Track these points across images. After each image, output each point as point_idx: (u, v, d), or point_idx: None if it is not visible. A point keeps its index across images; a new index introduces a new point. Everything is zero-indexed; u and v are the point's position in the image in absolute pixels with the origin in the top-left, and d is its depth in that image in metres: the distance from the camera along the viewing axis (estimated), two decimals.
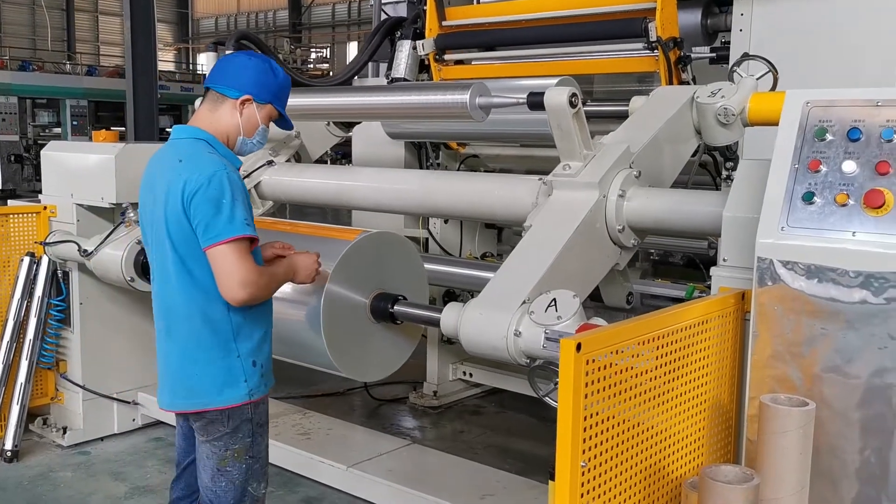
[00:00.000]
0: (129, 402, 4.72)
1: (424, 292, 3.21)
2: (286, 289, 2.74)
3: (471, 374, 5.33)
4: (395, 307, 2.95)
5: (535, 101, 2.91)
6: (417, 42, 4.70)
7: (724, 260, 2.51)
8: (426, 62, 4.77)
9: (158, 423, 4.77)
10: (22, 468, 4.32)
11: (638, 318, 2.15)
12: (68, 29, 36.24)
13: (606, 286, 3.24)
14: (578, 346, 1.77)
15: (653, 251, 5.17)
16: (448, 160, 5.17)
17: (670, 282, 4.60)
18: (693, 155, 3.72)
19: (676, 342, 2.15)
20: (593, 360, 1.83)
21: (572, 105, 2.85)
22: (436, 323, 2.79)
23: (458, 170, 5.12)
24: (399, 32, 5.03)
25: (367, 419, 5.14)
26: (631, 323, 2.09)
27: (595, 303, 3.40)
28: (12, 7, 34.40)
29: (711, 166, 4.14)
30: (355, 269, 2.92)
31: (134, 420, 4.78)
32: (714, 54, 4.23)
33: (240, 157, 2.71)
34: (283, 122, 2.78)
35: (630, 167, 2.96)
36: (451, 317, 2.71)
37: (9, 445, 4.36)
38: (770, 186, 2.24)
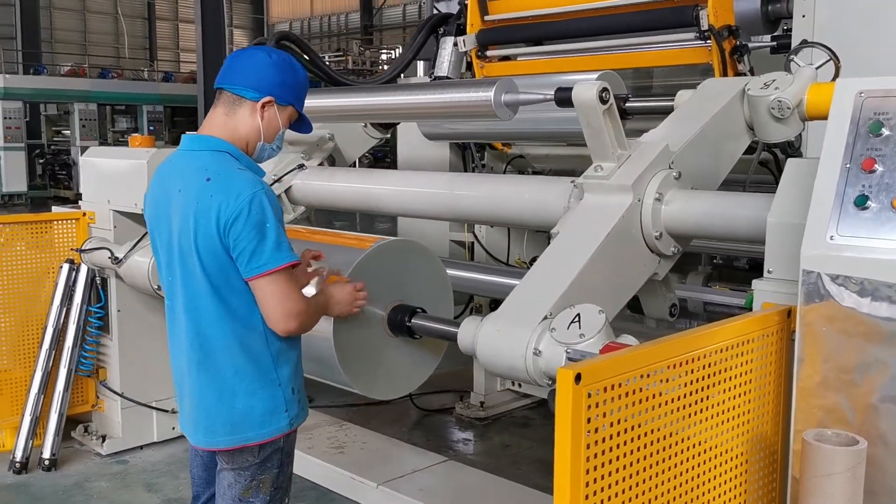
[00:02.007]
0: (167, 411, 4.64)
1: (449, 305, 3.00)
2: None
3: (520, 385, 5.10)
4: (412, 320, 2.75)
5: (563, 98, 2.68)
6: (458, 38, 4.51)
7: (769, 271, 2.23)
8: (469, 59, 4.58)
9: None
10: (59, 477, 4.29)
11: (663, 339, 1.90)
12: (150, 37, 37.34)
13: (647, 297, 2.97)
14: (578, 377, 1.54)
15: (716, 255, 4.87)
16: (494, 161, 4.95)
17: (729, 288, 4.28)
18: (751, 152, 3.43)
19: (708, 367, 1.90)
20: (600, 392, 1.60)
21: (603, 101, 2.60)
22: (453, 338, 2.59)
23: (504, 171, 4.91)
24: (443, 29, 4.86)
25: (410, 430, 4.96)
26: (652, 346, 1.84)
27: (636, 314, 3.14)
28: (97, 17, 35.65)
29: (773, 165, 3.82)
30: (371, 278, 2.73)
31: (174, 428, 4.69)
32: (775, 43, 3.91)
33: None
34: (301, 124, 2.54)
35: (669, 167, 2.70)
36: (468, 332, 2.50)
37: (47, 454, 4.34)
38: (818, 189, 1.96)
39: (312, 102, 3.21)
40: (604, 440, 1.61)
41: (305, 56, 5.07)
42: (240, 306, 2.28)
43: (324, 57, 29.25)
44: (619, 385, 1.64)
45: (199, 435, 2.39)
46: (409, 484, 3.63)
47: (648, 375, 1.71)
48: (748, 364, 2.01)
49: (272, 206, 2.23)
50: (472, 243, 4.98)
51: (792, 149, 3.58)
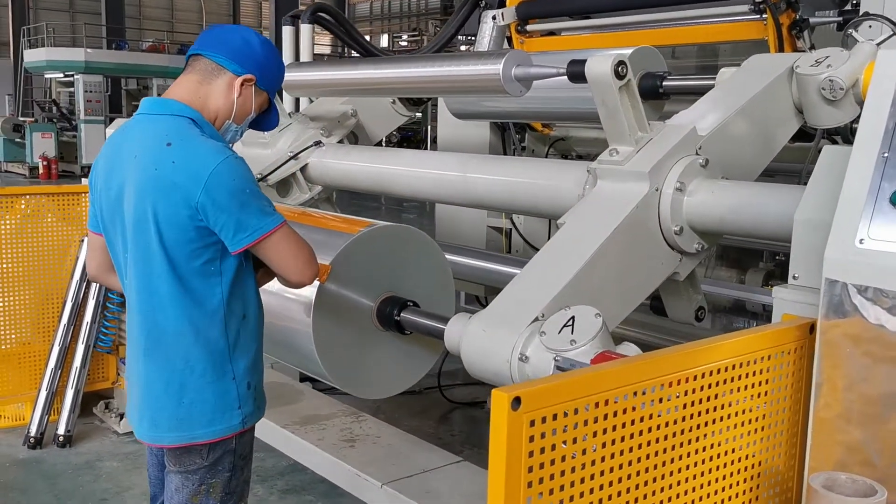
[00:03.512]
0: None
1: (450, 299, 2.74)
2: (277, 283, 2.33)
3: None
4: (401, 314, 2.51)
5: (576, 72, 2.38)
6: (497, 11, 4.22)
7: (795, 277, 1.91)
8: (509, 34, 4.29)
9: None
10: (72, 454, 4.21)
11: (655, 352, 1.62)
12: (233, 14, 37.98)
13: (670, 298, 2.66)
14: (516, 402, 1.27)
15: (779, 252, 4.49)
16: (535, 144, 4.65)
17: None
18: (808, 139, 3.07)
19: (704, 389, 1.61)
20: (547, 419, 1.33)
21: (619, 76, 2.29)
22: (440, 335, 2.34)
23: (546, 155, 4.60)
24: (485, 2, 4.59)
25: (436, 423, 4.74)
26: (640, 361, 1.57)
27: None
28: None
29: None
30: (360, 267, 2.51)
31: None
32: (841, 18, 3.50)
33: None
34: (267, 119, 2.36)
35: (696, 153, 2.38)
36: (455, 331, 2.24)
37: (61, 430, 4.26)
38: (848, 183, 1.64)
39: (303, 75, 2.98)
40: (552, 477, 1.34)
41: (342, 27, 4.88)
42: (198, 287, 2.07)
43: (401, 36, 29.01)
44: (576, 412, 1.37)
45: (143, 428, 2.19)
46: (416, 485, 3.39)
47: (605, 403, 1.44)
48: (759, 386, 1.71)
49: (245, 172, 2.06)
50: (510, 230, 4.69)
51: (854, 136, 3.19)
